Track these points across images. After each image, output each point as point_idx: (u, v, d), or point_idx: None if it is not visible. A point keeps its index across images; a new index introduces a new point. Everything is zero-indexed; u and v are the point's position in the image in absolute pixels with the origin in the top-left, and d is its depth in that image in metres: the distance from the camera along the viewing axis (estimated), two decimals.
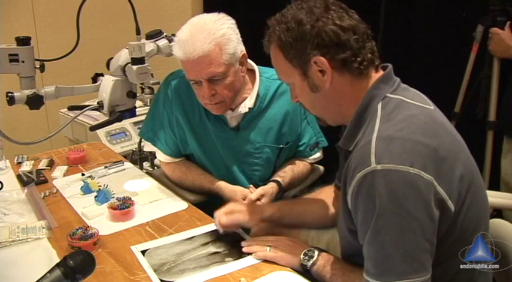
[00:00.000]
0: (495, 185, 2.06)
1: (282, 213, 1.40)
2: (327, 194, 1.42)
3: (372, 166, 0.94)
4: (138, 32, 1.68)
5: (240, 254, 1.27)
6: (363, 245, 1.00)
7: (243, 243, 1.30)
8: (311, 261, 1.17)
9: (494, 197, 1.51)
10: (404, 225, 0.93)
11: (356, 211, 1.00)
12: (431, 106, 1.09)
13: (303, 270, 1.18)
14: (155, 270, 1.20)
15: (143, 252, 1.28)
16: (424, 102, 1.08)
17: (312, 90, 1.10)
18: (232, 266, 1.22)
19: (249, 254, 1.27)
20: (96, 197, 1.56)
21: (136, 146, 2.44)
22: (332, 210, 1.39)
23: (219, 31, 1.42)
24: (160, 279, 1.17)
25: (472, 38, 2.12)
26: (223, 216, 1.36)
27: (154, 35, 1.70)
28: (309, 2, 1.08)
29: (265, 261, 1.24)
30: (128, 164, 1.87)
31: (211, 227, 1.41)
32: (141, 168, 2.35)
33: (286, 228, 1.40)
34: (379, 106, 1.05)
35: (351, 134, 1.09)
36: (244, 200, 1.55)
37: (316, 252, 1.19)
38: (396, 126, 0.99)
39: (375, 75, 1.09)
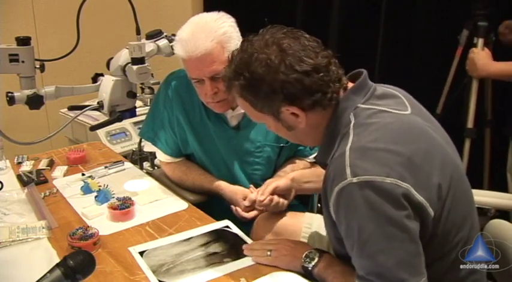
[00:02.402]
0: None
1: (305, 176, 1.50)
2: None
3: (348, 179, 0.94)
4: (138, 32, 1.68)
5: (238, 255, 1.27)
6: (350, 256, 1.00)
7: (244, 246, 1.29)
8: (312, 263, 1.17)
9: (494, 198, 1.51)
10: (388, 233, 0.93)
11: (339, 223, 1.01)
12: (408, 110, 1.07)
13: (305, 273, 1.18)
14: (154, 272, 1.20)
15: (141, 253, 1.28)
16: (400, 107, 1.07)
17: (287, 130, 1.11)
18: (231, 266, 1.22)
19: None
20: (96, 197, 1.56)
21: (136, 146, 2.44)
22: None
23: (221, 29, 1.43)
24: (159, 280, 1.17)
25: (457, 41, 2.13)
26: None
27: (154, 35, 1.70)
28: (261, 47, 1.03)
29: None
30: (128, 164, 1.87)
31: (211, 227, 1.41)
32: (141, 168, 2.35)
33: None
34: (351, 117, 1.05)
35: (326, 147, 1.09)
36: (244, 200, 1.55)
37: (318, 254, 1.18)
38: (369, 137, 0.99)
39: (348, 92, 1.08)
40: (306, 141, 1.18)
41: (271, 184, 1.46)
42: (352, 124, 1.03)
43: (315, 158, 1.16)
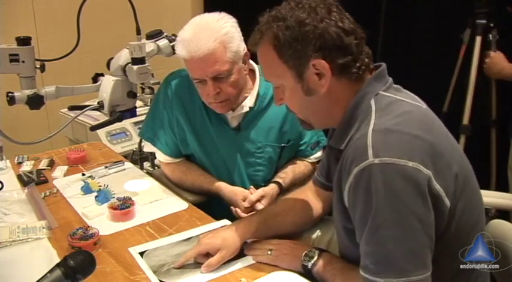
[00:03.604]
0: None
1: (261, 232, 1.31)
2: (303, 197, 1.38)
3: (369, 160, 0.92)
4: (138, 32, 1.68)
5: (239, 255, 1.27)
6: (359, 242, 0.99)
7: (244, 246, 1.29)
8: (312, 262, 1.16)
9: (495, 198, 1.51)
10: (403, 220, 0.91)
11: (354, 207, 0.98)
12: (424, 105, 1.09)
13: (305, 272, 1.17)
14: (154, 272, 1.20)
15: (141, 253, 1.28)
16: (416, 101, 1.08)
17: (305, 94, 1.07)
18: (231, 266, 1.22)
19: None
20: (96, 197, 1.56)
21: (136, 146, 2.44)
22: (312, 211, 1.37)
23: (223, 29, 1.43)
24: (160, 280, 1.17)
25: (457, 41, 2.14)
26: (202, 258, 1.22)
27: (154, 35, 1.71)
28: (308, 1, 1.05)
29: None
30: (128, 164, 1.87)
31: (211, 227, 1.41)
32: (142, 168, 2.35)
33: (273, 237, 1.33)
34: (372, 102, 1.04)
35: (342, 132, 1.08)
36: (244, 201, 1.55)
37: (317, 253, 1.18)
38: (393, 121, 0.98)
39: (369, 78, 1.08)
40: (317, 115, 1.12)
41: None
42: (373, 109, 1.02)
43: (328, 146, 1.14)
